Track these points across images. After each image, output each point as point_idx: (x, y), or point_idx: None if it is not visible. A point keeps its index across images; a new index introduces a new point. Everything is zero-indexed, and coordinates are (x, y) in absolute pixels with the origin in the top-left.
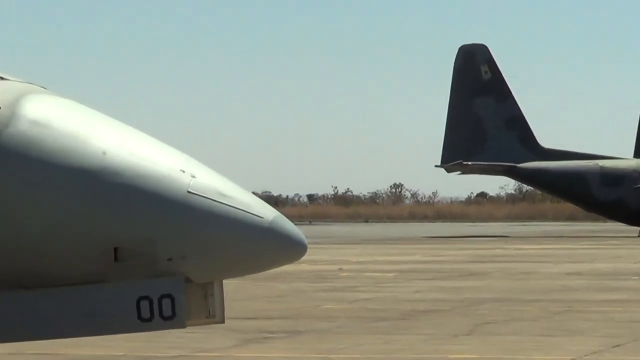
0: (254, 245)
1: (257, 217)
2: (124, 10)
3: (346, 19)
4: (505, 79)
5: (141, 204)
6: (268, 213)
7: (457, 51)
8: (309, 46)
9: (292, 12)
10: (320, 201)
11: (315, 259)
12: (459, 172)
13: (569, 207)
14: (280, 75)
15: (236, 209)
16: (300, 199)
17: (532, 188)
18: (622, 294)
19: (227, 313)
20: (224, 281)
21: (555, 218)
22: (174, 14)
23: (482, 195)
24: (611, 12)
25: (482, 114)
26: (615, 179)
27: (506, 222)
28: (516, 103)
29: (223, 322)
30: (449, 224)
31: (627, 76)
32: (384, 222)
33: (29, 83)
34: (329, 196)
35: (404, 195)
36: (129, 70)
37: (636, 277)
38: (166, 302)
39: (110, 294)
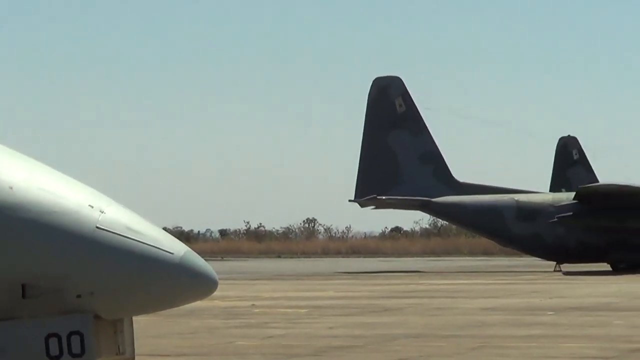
0: (164, 281)
1: (167, 253)
2: None
3: (254, 51)
4: (420, 112)
5: (49, 240)
6: (178, 248)
7: (371, 83)
8: (219, 78)
9: (187, 52)
10: (232, 236)
11: (227, 295)
12: (373, 207)
13: (484, 241)
14: (189, 107)
15: (146, 245)
16: (212, 234)
17: (447, 223)
18: (537, 330)
19: (138, 350)
20: (135, 318)
21: (471, 253)
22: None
23: (397, 230)
24: (525, 43)
25: (397, 147)
26: (531, 213)
27: (421, 257)
28: (431, 136)
29: (133, 359)
30: (362, 259)
31: (544, 110)
32: (297, 257)
33: None
34: (241, 231)
35: (317, 230)
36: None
37: (551, 313)
38: (75, 339)
39: (19, 331)
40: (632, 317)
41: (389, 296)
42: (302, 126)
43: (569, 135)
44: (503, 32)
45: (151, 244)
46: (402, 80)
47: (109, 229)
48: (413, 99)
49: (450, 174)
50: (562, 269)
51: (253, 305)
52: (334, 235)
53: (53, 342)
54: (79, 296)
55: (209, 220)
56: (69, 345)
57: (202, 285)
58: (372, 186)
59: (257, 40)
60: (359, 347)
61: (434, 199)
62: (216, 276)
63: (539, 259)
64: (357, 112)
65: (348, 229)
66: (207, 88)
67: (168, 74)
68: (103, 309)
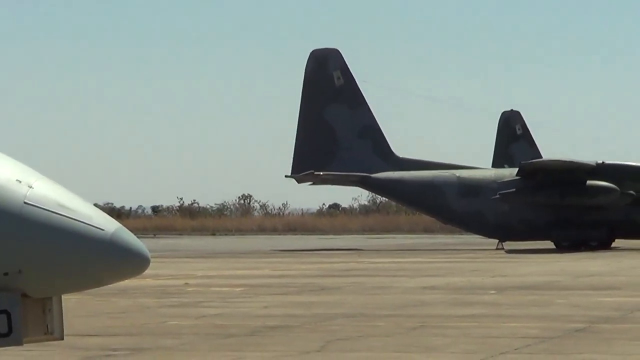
0: (94, 258)
1: (97, 230)
2: None
3: (189, 25)
4: (359, 86)
5: None
6: (109, 225)
7: (308, 56)
8: (150, 51)
9: (122, 16)
10: (165, 213)
11: (160, 273)
12: (310, 183)
13: (424, 219)
14: (120, 82)
15: (76, 221)
16: (145, 211)
17: (386, 199)
18: (478, 309)
19: (67, 330)
20: (64, 296)
21: (411, 230)
22: None
23: (335, 206)
24: (467, 16)
25: (335, 122)
26: (472, 189)
27: (359, 234)
28: (370, 111)
29: (62, 339)
30: (299, 236)
31: (486, 84)
32: (232, 234)
33: None
34: (175, 208)
35: (253, 206)
36: None
37: (493, 292)
38: (2, 319)
39: None
40: (575, 296)
41: (327, 275)
42: (237, 100)
43: (511, 110)
44: (444, 5)
45: (81, 220)
46: (340, 53)
47: (37, 205)
48: (351, 72)
49: (390, 149)
50: (505, 247)
51: (186, 283)
52: (270, 212)
53: None
54: (5, 274)
55: (141, 196)
56: None
57: (134, 263)
58: (309, 162)
59: (190, 13)
60: (295, 327)
61: (373, 175)
62: (148, 254)
63: (481, 236)
64: (294, 86)
65: (285, 205)
66: (141, 63)
67: (102, 48)
68: (31, 288)
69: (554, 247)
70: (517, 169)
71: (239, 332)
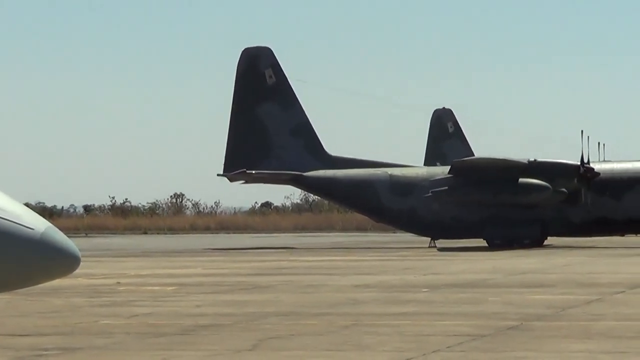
0: (24, 258)
1: (27, 229)
2: None
3: (121, 19)
4: (291, 84)
5: None
6: (39, 225)
7: (240, 54)
8: (85, 48)
9: (53, 14)
10: (97, 212)
11: (92, 272)
12: (242, 181)
13: (357, 217)
14: (52, 81)
15: (5, 220)
16: (76, 210)
17: (319, 198)
18: (411, 307)
19: None
20: None
21: (344, 229)
22: None
23: (267, 205)
24: (399, 13)
25: (267, 120)
26: (405, 187)
27: (292, 233)
28: (302, 109)
29: None
30: (232, 235)
31: (418, 82)
32: (164, 233)
33: None
34: (107, 207)
35: (185, 205)
36: None
37: (426, 290)
38: None
39: None
40: (507, 293)
41: (259, 273)
42: (169, 98)
43: (443, 108)
44: (376, 3)
45: (10, 219)
46: (272, 51)
47: None
48: (284, 70)
49: (322, 147)
50: (437, 245)
51: (118, 283)
52: (202, 210)
53: None
54: None
55: (73, 195)
56: None
57: (64, 262)
58: (241, 160)
59: (120, 10)
60: (227, 325)
61: (305, 173)
62: (79, 253)
63: (414, 234)
64: (226, 84)
65: (217, 204)
66: (74, 60)
67: (34, 46)
68: None
69: (486, 245)
70: (449, 167)
71: (170, 331)
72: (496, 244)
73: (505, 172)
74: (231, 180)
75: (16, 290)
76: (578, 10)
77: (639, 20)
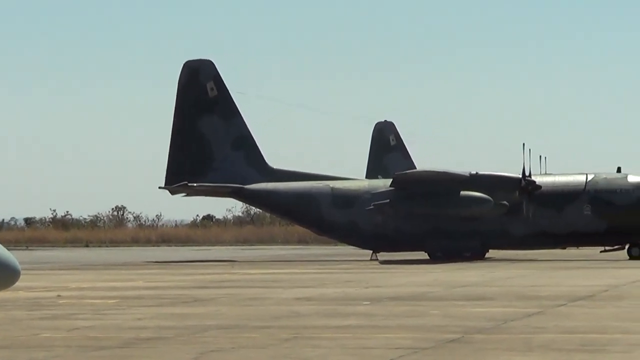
0: None
1: None
2: None
3: (61, 33)
4: (233, 96)
5: None
6: None
7: (181, 67)
8: (25, 58)
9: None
10: (38, 225)
11: (32, 285)
12: (184, 194)
13: (299, 230)
14: None
15: None
16: (17, 223)
17: (260, 210)
18: (352, 320)
19: None
20: None
21: (285, 241)
22: None
23: (209, 218)
24: (340, 26)
25: (208, 133)
26: (346, 200)
27: (233, 245)
28: (244, 121)
29: None
30: (173, 248)
31: (360, 94)
32: (106, 246)
33: None
34: (48, 220)
35: (127, 218)
36: None
37: (367, 302)
38: None
39: None
40: (449, 306)
41: (201, 286)
42: (110, 111)
43: (385, 121)
44: (317, 16)
45: None
46: (213, 64)
47: None
48: (225, 82)
49: (264, 160)
50: (379, 258)
51: (59, 295)
52: (143, 223)
53: None
54: None
55: (13, 208)
56: None
57: (4, 275)
58: (183, 173)
59: (61, 22)
60: (168, 338)
61: (246, 186)
62: (19, 266)
63: (355, 247)
64: (167, 97)
65: (158, 217)
66: (14, 74)
67: None
68: None
69: (428, 257)
70: (391, 180)
71: (111, 345)
72: (438, 256)
73: (446, 185)
74: (172, 193)
75: None
76: (520, 23)
77: (579, 36)
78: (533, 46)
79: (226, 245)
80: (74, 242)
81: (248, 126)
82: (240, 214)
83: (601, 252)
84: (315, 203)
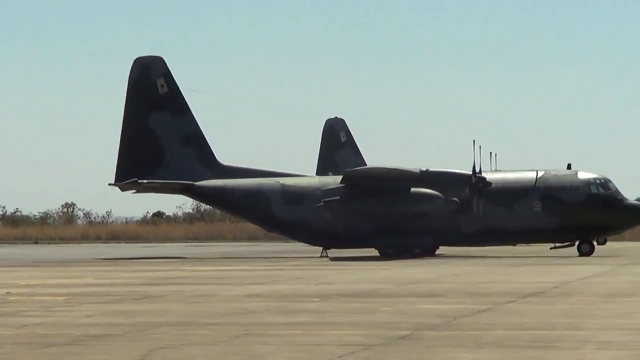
0: None
1: None
2: None
3: (12, 25)
4: (183, 93)
5: None
6: None
7: (132, 63)
8: None
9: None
10: None
11: None
12: (134, 191)
13: (249, 226)
14: None
15: None
16: None
17: (211, 207)
18: (302, 317)
19: None
20: None
21: (235, 238)
22: None
23: (159, 214)
24: (289, 24)
25: (158, 129)
26: (297, 197)
27: (184, 242)
28: (194, 118)
29: None
30: (123, 244)
31: (311, 91)
32: (56, 243)
33: None
34: None
35: (77, 215)
36: None
37: (317, 299)
38: None
39: None
40: (399, 303)
41: (150, 283)
42: (60, 107)
43: (335, 117)
44: (267, 12)
45: None
46: (164, 61)
47: None
48: (175, 79)
49: (214, 156)
50: (329, 255)
51: (8, 293)
52: (93, 220)
53: None
54: None
55: None
56: None
57: None
58: (133, 169)
59: (10, 18)
60: (118, 335)
61: (197, 183)
62: None
63: (306, 244)
64: (118, 93)
65: (108, 213)
66: None
67: None
68: None
69: (378, 254)
70: (341, 177)
71: (60, 342)
72: (388, 253)
73: (397, 181)
74: (122, 189)
75: None
76: (470, 22)
77: (528, 33)
78: (482, 44)
79: (176, 242)
80: (23, 239)
81: (198, 123)
82: (190, 211)
83: (551, 248)
84: (266, 200)
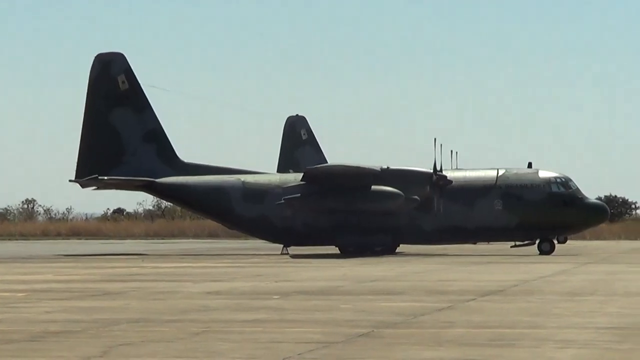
0: None
1: None
2: None
3: None
4: (144, 90)
5: None
6: None
7: (92, 60)
8: None
9: None
10: None
11: None
12: (94, 187)
13: (210, 224)
14: None
15: None
16: None
17: (171, 204)
18: (262, 314)
19: None
20: None
21: (196, 235)
22: None
23: (119, 211)
24: (254, 21)
25: (119, 126)
26: (257, 194)
27: (144, 239)
28: (155, 115)
29: None
30: (84, 241)
31: (272, 89)
32: (16, 239)
33: None
34: None
35: (37, 211)
36: None
37: (277, 297)
38: None
39: None
40: (359, 301)
41: (110, 280)
42: (20, 103)
43: (297, 115)
44: (228, 9)
45: None
46: (125, 57)
47: None
48: (136, 76)
49: (175, 154)
50: (290, 252)
51: None
52: (54, 216)
53: None
54: None
55: None
56: None
57: None
58: (93, 166)
59: None
60: (77, 332)
61: (157, 180)
62: None
63: (266, 241)
64: (78, 89)
65: (69, 210)
66: None
67: None
68: None
69: (338, 252)
70: (302, 174)
71: (19, 338)
72: (349, 251)
73: (358, 179)
74: (83, 186)
75: None
76: (430, 18)
77: (489, 30)
78: (443, 41)
79: (137, 239)
80: None
81: (159, 120)
82: (151, 208)
83: (512, 247)
84: (227, 197)
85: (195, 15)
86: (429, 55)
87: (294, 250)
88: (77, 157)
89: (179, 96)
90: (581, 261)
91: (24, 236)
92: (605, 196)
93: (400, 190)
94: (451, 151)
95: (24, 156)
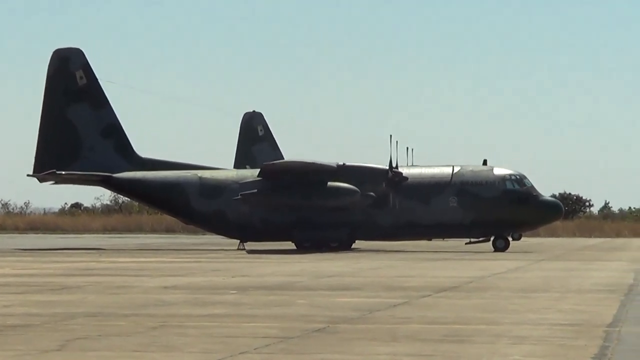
0: None
1: None
2: None
3: None
4: (102, 85)
5: None
6: None
7: (50, 55)
8: None
9: None
10: None
11: None
12: (52, 182)
13: (167, 219)
14: None
15: None
16: None
17: (128, 199)
18: (219, 309)
19: None
20: None
21: (153, 230)
22: None
23: (77, 206)
24: (212, 18)
25: (77, 121)
26: (214, 190)
27: (101, 234)
28: (112, 110)
29: None
30: (41, 235)
31: (229, 85)
32: None
33: None
34: None
35: None
36: None
37: (234, 292)
38: None
39: None
40: (315, 296)
41: (68, 274)
42: None
43: (253, 111)
44: (185, 6)
45: None
46: (83, 53)
47: None
48: (94, 71)
49: (132, 149)
50: (246, 247)
51: None
52: (11, 210)
53: None
54: None
55: None
56: None
57: None
58: (51, 160)
59: None
60: (35, 325)
61: (115, 175)
62: None
63: (223, 236)
64: (36, 84)
65: (26, 204)
66: None
67: None
68: None
69: (295, 247)
70: (259, 170)
71: None
72: (305, 246)
73: (314, 175)
74: (41, 180)
75: None
76: (387, 17)
77: (444, 27)
78: (400, 38)
79: (94, 234)
80: None
81: (117, 115)
82: (108, 203)
83: (467, 244)
84: (183, 192)
85: (152, 11)
86: (385, 52)
87: (250, 245)
88: (35, 151)
89: (136, 92)
90: (535, 258)
91: None
92: (559, 194)
93: (356, 187)
94: (407, 148)
95: None
